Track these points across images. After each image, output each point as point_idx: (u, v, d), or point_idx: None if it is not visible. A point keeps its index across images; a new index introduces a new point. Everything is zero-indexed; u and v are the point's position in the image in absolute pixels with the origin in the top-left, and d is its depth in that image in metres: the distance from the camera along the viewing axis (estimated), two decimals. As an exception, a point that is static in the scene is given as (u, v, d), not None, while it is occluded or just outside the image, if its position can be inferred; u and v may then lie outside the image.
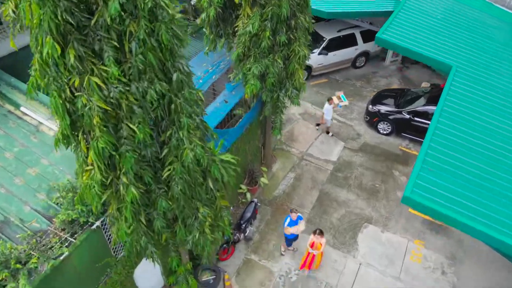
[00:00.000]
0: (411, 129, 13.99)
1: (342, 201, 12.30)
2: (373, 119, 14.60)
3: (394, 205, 12.16)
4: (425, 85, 16.03)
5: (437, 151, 8.51)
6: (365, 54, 17.88)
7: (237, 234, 10.51)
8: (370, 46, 17.66)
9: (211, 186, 6.14)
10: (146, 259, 6.66)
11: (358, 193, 12.51)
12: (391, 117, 14.14)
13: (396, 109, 14.18)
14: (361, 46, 17.37)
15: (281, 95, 9.89)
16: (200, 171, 5.77)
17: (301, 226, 9.82)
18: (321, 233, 9.65)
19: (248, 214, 10.80)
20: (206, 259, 6.99)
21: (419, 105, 13.77)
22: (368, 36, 17.39)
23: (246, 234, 10.93)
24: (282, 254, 10.86)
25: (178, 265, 7.64)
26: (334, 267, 10.55)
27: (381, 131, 14.66)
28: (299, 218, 9.90)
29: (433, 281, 10.27)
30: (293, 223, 9.91)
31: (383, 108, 14.39)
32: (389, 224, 11.64)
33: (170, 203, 5.71)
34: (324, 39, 16.66)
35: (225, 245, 10.25)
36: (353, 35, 17.06)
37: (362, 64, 18.23)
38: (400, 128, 14.17)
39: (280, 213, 11.66)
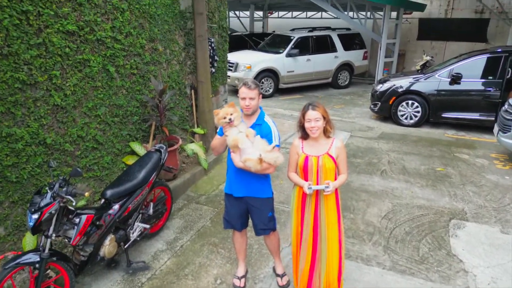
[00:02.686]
0: (457, 106, 8.15)
1: (379, 190, 5.34)
2: (388, 102, 8.72)
3: (496, 191, 5.34)
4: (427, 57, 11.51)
5: None
6: (348, 68, 13.17)
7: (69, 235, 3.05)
8: (354, 57, 13.15)
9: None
10: None
11: (407, 180, 5.68)
12: (419, 89, 8.41)
13: (427, 75, 8.59)
14: (342, 54, 12.78)
15: None
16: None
17: (268, 154, 2.84)
18: (315, 107, 2.91)
19: (137, 178, 3.56)
20: None
21: (469, 56, 8.38)
22: (350, 42, 13.06)
23: (128, 241, 3.46)
24: (240, 291, 3.32)
25: None
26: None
27: (404, 120, 8.65)
28: (261, 128, 3.01)
29: None
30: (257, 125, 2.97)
31: (402, 81, 8.75)
32: (510, 218, 4.62)
33: None
34: (292, 37, 12.01)
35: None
36: (329, 38, 12.61)
37: (345, 83, 13.31)
38: (438, 106, 8.29)
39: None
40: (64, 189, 2.83)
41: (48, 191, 2.85)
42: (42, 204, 2.76)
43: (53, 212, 2.76)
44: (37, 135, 3.46)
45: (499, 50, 8.11)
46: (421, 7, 13.12)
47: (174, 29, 5.24)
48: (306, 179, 2.95)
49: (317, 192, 2.95)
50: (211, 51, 6.00)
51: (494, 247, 4.05)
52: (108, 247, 3.26)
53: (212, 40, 6.04)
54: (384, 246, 4.04)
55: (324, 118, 2.90)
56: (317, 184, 2.91)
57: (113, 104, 4.31)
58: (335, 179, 2.95)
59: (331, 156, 2.91)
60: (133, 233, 3.56)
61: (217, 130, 3.13)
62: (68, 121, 3.76)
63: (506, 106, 6.40)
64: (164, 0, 4.93)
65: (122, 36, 4.27)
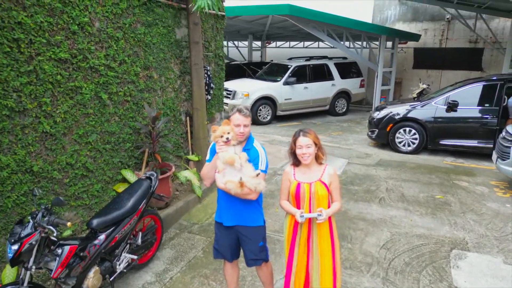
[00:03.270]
0: (455, 133, 8.12)
1: (378, 218, 5.21)
2: (385, 128, 8.71)
3: (497, 220, 5.20)
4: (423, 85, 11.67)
5: None
6: (345, 96, 13.27)
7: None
8: (351, 85, 13.27)
9: None
10: None
11: (406, 208, 5.55)
12: (416, 116, 8.41)
13: (423, 102, 8.63)
14: (339, 82, 12.91)
15: None
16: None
17: (250, 180, 2.77)
18: (306, 134, 2.88)
19: (125, 206, 3.45)
20: None
21: (464, 84, 8.46)
22: (347, 71, 13.24)
23: (114, 273, 3.32)
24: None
25: None
26: None
27: (402, 147, 8.60)
28: (249, 153, 2.93)
29: None
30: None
31: (399, 109, 8.77)
32: (514, 248, 4.48)
33: None
34: (289, 66, 12.18)
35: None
36: (325, 66, 12.78)
37: (343, 110, 13.37)
38: (435, 133, 8.26)
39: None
40: (46, 218, 2.72)
41: (31, 220, 2.75)
42: (22, 234, 2.65)
43: (33, 243, 2.65)
44: (24, 162, 3.38)
45: (494, 78, 8.17)
46: (415, 37, 13.39)
47: (169, 57, 5.27)
48: (298, 207, 2.86)
49: (310, 220, 2.85)
50: (207, 79, 6.02)
51: (497, 278, 3.88)
52: (92, 279, 3.11)
53: (208, 68, 6.08)
54: (383, 278, 3.87)
55: (315, 144, 2.85)
56: (310, 212, 2.82)
57: (105, 131, 4.26)
58: (328, 206, 2.86)
59: (323, 183, 2.84)
60: (119, 264, 3.42)
61: (207, 158, 3.06)
62: (57, 148, 3.70)
63: (504, 133, 6.35)
64: (160, 30, 4.99)
65: (116, 64, 4.28)
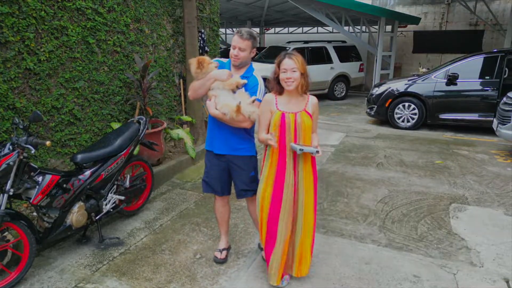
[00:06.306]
0: (455, 107, 7.97)
1: (375, 179, 5.08)
2: (384, 104, 8.57)
3: (497, 180, 5.07)
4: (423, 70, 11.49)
5: None
6: (344, 80, 13.12)
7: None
8: (350, 69, 13.11)
9: None
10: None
11: (405, 171, 5.42)
12: (415, 91, 8.27)
13: (423, 76, 8.49)
14: (338, 65, 12.75)
15: None
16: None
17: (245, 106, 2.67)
18: (292, 56, 2.61)
19: (112, 145, 3.32)
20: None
21: (465, 57, 8.31)
22: (346, 54, 13.08)
23: (100, 213, 3.20)
24: (218, 261, 3.02)
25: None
26: (424, 294, 2.68)
27: (401, 123, 8.46)
28: (251, 81, 2.82)
29: None
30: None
31: (398, 84, 8.64)
32: (515, 203, 4.35)
33: None
34: (288, 48, 12.02)
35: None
36: (324, 49, 12.64)
37: (342, 95, 13.22)
38: (435, 108, 8.12)
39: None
40: (24, 138, 2.59)
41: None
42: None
43: (11, 163, 2.52)
44: (6, 98, 3.25)
45: (495, 50, 8.04)
46: (415, 20, 13.22)
47: (161, 14, 5.14)
48: (283, 138, 2.67)
49: (295, 156, 2.67)
50: (201, 42, 5.89)
51: (498, 227, 3.75)
52: (76, 214, 2.98)
53: (203, 31, 5.95)
54: (379, 226, 3.74)
55: (301, 73, 2.63)
56: (295, 142, 2.64)
57: (93, 80, 4.13)
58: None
59: (308, 113, 2.65)
60: (106, 204, 3.29)
61: None
62: (41, 89, 3.57)
63: (505, 99, 6.23)
64: (151, -18, 4.86)
65: (104, 10, 4.15)
